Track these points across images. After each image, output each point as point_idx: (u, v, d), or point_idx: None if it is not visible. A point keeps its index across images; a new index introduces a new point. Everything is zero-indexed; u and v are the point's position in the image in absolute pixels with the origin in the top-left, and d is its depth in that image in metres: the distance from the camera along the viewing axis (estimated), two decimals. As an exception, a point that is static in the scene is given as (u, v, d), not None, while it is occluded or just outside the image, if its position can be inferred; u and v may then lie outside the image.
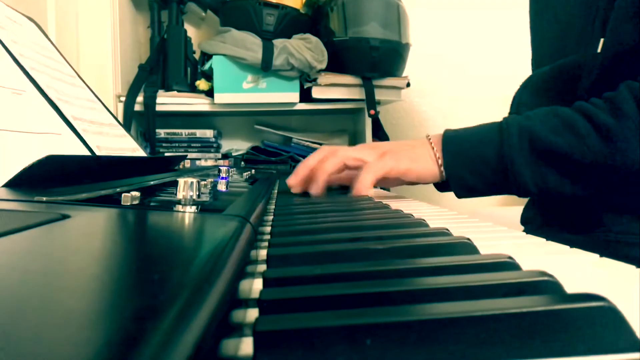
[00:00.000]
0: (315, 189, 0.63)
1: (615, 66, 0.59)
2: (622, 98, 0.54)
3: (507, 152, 0.57)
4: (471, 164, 0.60)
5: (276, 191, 0.71)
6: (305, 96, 1.41)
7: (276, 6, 1.37)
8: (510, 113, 0.73)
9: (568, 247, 0.32)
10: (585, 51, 0.62)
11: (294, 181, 0.65)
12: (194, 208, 0.29)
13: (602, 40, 0.60)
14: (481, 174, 0.59)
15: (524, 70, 0.86)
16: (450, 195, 0.63)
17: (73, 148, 0.54)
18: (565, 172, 0.56)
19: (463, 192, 0.62)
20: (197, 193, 0.30)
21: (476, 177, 0.60)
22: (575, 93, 0.62)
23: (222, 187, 0.47)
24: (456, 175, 0.60)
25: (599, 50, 0.60)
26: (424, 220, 0.38)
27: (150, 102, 1.36)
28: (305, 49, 1.32)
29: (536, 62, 0.74)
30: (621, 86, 0.55)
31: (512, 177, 0.58)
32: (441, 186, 0.66)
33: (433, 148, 0.62)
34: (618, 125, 0.54)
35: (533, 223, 0.72)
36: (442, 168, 0.61)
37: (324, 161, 0.63)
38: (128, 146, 0.74)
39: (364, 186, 0.61)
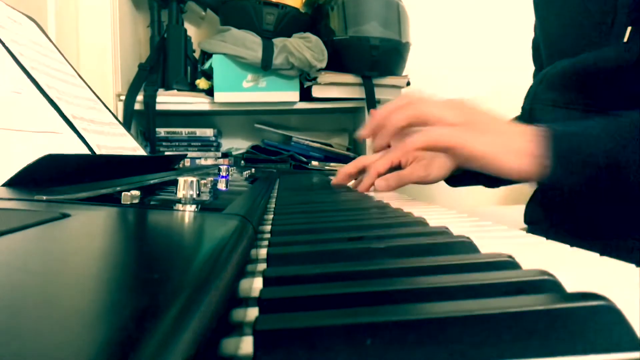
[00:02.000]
0: (378, 144, 0.57)
1: None
2: None
3: (621, 152, 0.48)
4: (582, 166, 0.49)
5: (276, 190, 0.71)
6: (305, 95, 1.41)
7: (276, 5, 1.37)
8: (523, 108, 0.72)
9: (568, 246, 0.32)
10: (606, 44, 0.60)
11: (365, 131, 0.59)
12: (194, 207, 0.29)
13: (629, 29, 0.58)
14: (591, 177, 0.50)
15: (524, 70, 0.86)
16: (450, 194, 0.62)
17: (73, 147, 0.54)
18: None
19: (559, 197, 0.53)
20: (197, 192, 0.30)
21: (586, 179, 0.49)
22: (598, 87, 0.61)
23: (222, 186, 0.47)
24: (563, 177, 0.50)
25: (625, 39, 0.58)
26: (423, 219, 0.38)
27: (150, 101, 1.36)
28: (305, 48, 1.32)
29: (549, 57, 0.73)
30: None
31: (625, 176, 0.48)
32: (453, 180, 0.62)
33: (534, 142, 0.50)
34: None
35: (539, 224, 0.72)
36: (537, 167, 0.50)
37: (395, 112, 0.55)
38: (128, 145, 0.74)
39: (414, 144, 0.51)
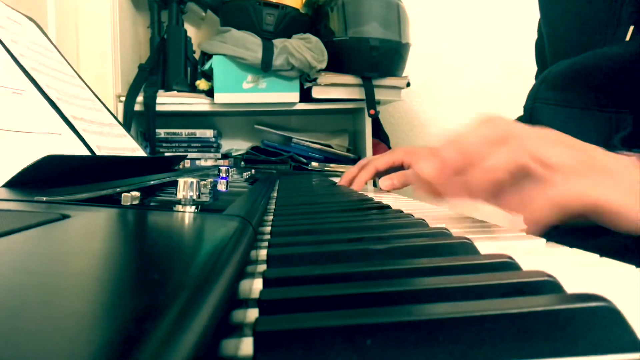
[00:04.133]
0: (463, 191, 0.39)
1: None
2: None
3: None
4: None
5: (276, 191, 0.71)
6: (305, 96, 1.41)
7: (276, 6, 1.37)
8: (525, 108, 0.72)
9: (568, 247, 0.32)
10: (611, 42, 0.60)
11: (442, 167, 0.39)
12: (193, 208, 0.29)
13: (631, 28, 0.58)
14: None
15: (523, 70, 0.86)
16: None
17: (73, 148, 0.54)
18: None
19: None
20: (197, 193, 0.30)
21: None
22: (600, 86, 0.61)
23: (222, 187, 0.47)
24: None
25: (627, 38, 0.58)
26: (424, 220, 0.38)
27: (150, 102, 1.36)
28: (305, 48, 1.32)
29: (553, 56, 0.73)
30: None
31: None
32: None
33: None
34: None
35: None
36: None
37: (489, 153, 0.37)
38: (128, 146, 0.74)
39: (536, 218, 0.35)
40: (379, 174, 0.77)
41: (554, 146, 0.37)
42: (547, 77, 0.68)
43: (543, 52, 0.77)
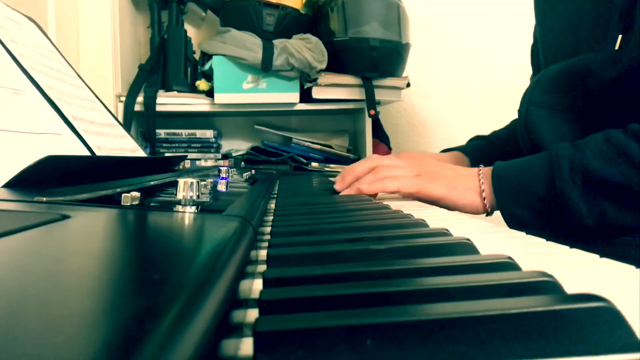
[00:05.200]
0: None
1: None
2: None
3: (559, 188, 0.55)
4: (523, 200, 0.59)
5: (276, 191, 0.71)
6: (306, 96, 1.41)
7: (276, 6, 1.37)
8: (520, 110, 0.72)
9: (568, 247, 0.32)
10: (600, 49, 0.61)
11: (340, 186, 0.69)
12: (194, 208, 0.29)
13: (620, 37, 0.59)
14: (534, 210, 0.58)
15: (523, 70, 0.86)
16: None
17: (73, 148, 0.54)
18: (624, 204, 0.53)
19: (515, 225, 0.60)
20: (197, 193, 0.30)
21: (529, 212, 0.59)
22: (589, 91, 0.61)
23: (222, 187, 0.47)
24: (507, 210, 0.60)
25: (616, 47, 0.59)
26: (424, 220, 0.38)
27: (150, 102, 1.36)
28: (305, 49, 1.32)
29: (545, 60, 0.74)
30: None
31: (567, 213, 0.55)
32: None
33: (480, 180, 0.63)
34: None
35: None
36: (485, 201, 0.62)
37: (358, 167, 0.68)
38: (128, 146, 0.74)
39: (373, 188, 0.62)
40: None
41: (398, 162, 0.66)
42: (540, 81, 0.69)
43: (538, 57, 0.78)
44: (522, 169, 0.60)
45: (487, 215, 0.64)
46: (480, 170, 0.64)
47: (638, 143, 0.52)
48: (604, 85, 0.60)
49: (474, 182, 0.63)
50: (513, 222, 0.60)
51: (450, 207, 0.63)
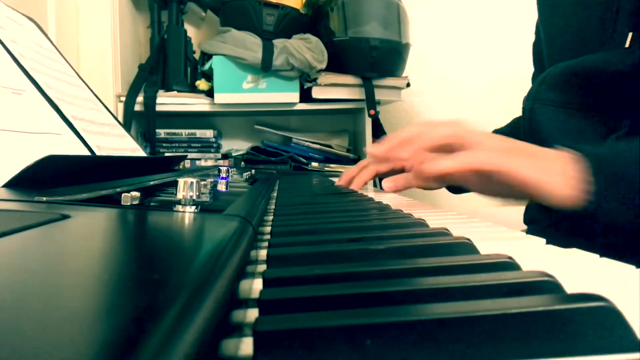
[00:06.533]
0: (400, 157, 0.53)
1: None
2: None
3: None
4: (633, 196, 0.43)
5: (276, 191, 0.71)
6: (305, 96, 1.41)
7: (276, 6, 1.37)
8: (524, 109, 0.72)
9: (568, 247, 0.32)
10: (607, 48, 0.61)
11: (390, 145, 0.54)
12: (193, 208, 0.29)
13: (630, 34, 0.59)
14: None
15: (525, 70, 0.86)
16: (450, 195, 0.62)
17: (73, 148, 0.54)
18: None
19: (610, 232, 0.45)
20: (197, 193, 0.30)
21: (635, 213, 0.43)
22: (597, 87, 0.61)
23: (222, 187, 0.47)
24: (611, 208, 0.43)
25: (627, 44, 0.59)
26: (424, 220, 0.38)
27: (150, 102, 1.36)
28: (305, 49, 1.32)
29: (551, 59, 0.73)
30: None
31: None
32: (454, 188, 0.58)
33: (571, 165, 0.46)
34: None
35: (537, 224, 0.72)
36: (583, 194, 0.44)
37: (431, 130, 0.51)
38: (128, 146, 0.74)
39: (459, 164, 0.45)
40: (379, 175, 0.77)
41: (483, 133, 0.49)
42: (547, 78, 0.69)
43: (540, 54, 0.78)
44: (628, 154, 0.45)
45: (581, 212, 0.45)
46: (568, 154, 0.47)
47: None
48: (614, 80, 0.59)
49: (563, 166, 0.46)
50: (611, 223, 0.45)
51: (531, 194, 0.46)
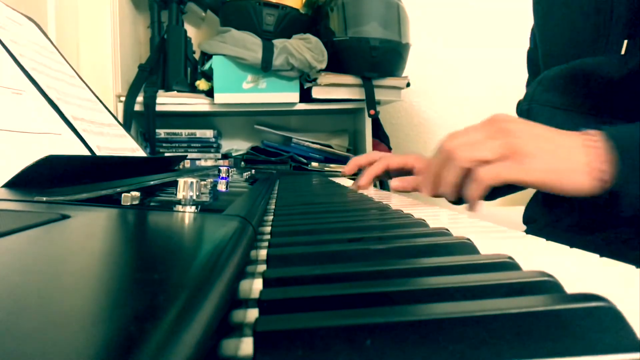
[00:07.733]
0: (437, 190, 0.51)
1: None
2: None
3: None
4: None
5: (276, 191, 0.71)
6: (305, 96, 1.41)
7: (276, 6, 1.37)
8: (521, 109, 0.72)
9: (568, 247, 0.32)
10: (604, 53, 0.61)
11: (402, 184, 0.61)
12: (193, 208, 0.29)
13: (625, 42, 0.59)
14: None
15: (523, 70, 0.86)
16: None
17: (73, 148, 0.54)
18: None
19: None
20: (197, 193, 0.30)
21: None
22: (593, 91, 0.61)
23: (222, 187, 0.47)
24: (635, 191, 0.43)
25: (622, 52, 0.59)
26: (424, 220, 0.38)
27: (150, 102, 1.36)
28: (305, 49, 1.32)
29: (546, 65, 0.73)
30: None
31: None
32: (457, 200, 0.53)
33: (593, 150, 0.44)
34: None
35: (537, 223, 0.72)
36: (606, 184, 0.44)
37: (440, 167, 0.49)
38: (128, 146, 0.74)
39: (475, 200, 0.45)
40: (388, 172, 0.77)
41: (480, 142, 0.46)
42: (543, 80, 0.69)
43: (535, 61, 0.78)
44: None
45: (600, 197, 0.45)
46: (588, 134, 0.46)
47: None
48: (610, 85, 0.59)
49: (585, 153, 0.45)
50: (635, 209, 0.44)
51: (554, 192, 0.46)
